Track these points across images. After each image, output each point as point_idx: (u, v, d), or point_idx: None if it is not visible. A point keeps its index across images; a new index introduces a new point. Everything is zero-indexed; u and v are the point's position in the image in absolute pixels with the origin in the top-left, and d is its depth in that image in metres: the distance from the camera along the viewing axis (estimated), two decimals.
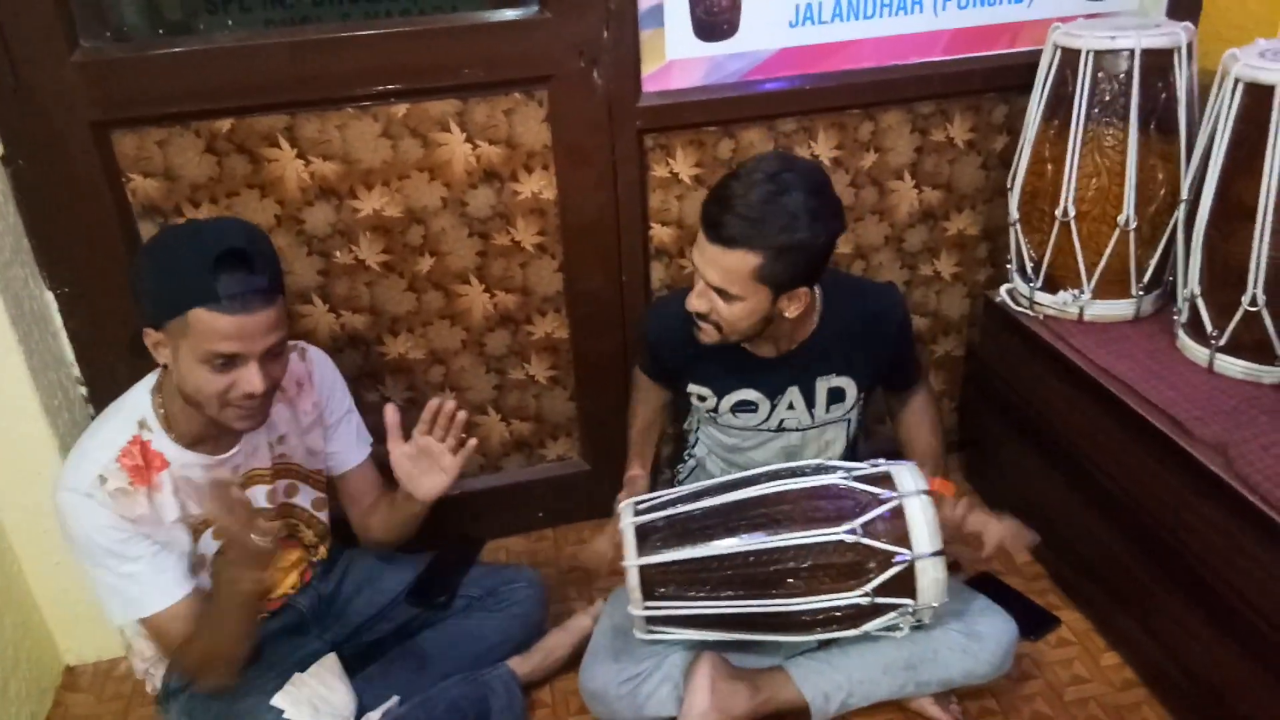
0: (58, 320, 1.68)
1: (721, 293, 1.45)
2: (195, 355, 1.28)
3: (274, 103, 1.63)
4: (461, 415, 1.49)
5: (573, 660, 1.72)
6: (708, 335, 1.53)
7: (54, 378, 1.66)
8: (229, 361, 1.28)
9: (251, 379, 1.30)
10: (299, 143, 1.67)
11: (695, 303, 1.50)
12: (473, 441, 1.51)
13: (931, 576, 1.43)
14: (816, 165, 1.61)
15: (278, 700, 1.46)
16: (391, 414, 1.49)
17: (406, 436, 1.51)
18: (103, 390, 1.68)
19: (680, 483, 1.85)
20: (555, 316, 1.95)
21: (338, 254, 1.78)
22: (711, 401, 1.68)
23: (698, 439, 1.82)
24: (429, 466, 1.51)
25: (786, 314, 1.50)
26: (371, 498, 1.66)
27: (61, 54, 1.51)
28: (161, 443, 1.39)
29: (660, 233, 1.90)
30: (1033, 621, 1.80)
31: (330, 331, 1.84)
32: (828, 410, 1.67)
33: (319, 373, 1.59)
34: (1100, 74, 1.66)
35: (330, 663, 1.56)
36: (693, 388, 1.69)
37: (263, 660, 1.53)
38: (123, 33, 1.63)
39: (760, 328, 1.51)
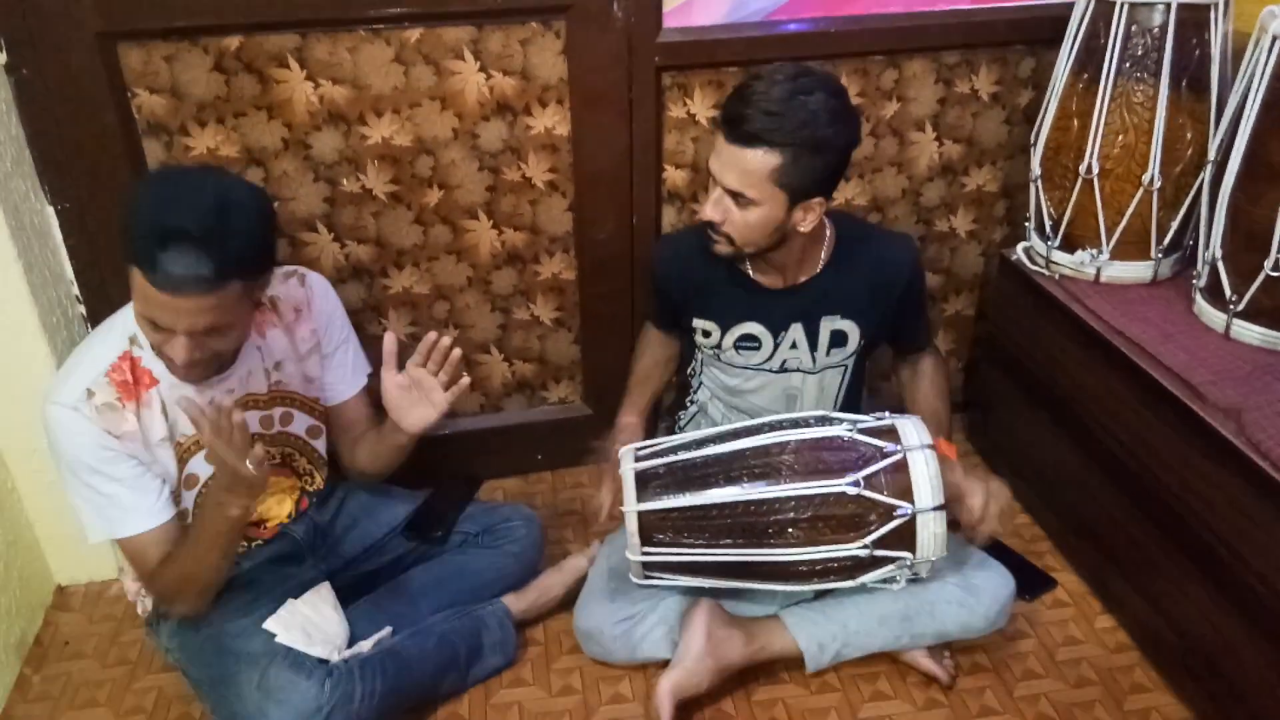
0: (58, 236, 1.66)
1: (738, 197, 1.44)
2: (134, 305, 1.27)
3: (284, 21, 1.59)
4: (456, 353, 1.44)
5: (567, 601, 1.73)
6: (721, 247, 1.51)
7: (53, 295, 1.64)
8: (158, 325, 1.26)
9: (175, 350, 1.27)
10: (308, 64, 1.64)
11: (710, 211, 1.48)
12: (465, 380, 1.45)
13: (932, 531, 1.42)
14: (835, 75, 1.59)
15: (270, 624, 1.46)
16: (390, 342, 1.45)
17: (402, 366, 1.48)
18: (101, 309, 1.65)
19: (681, 429, 1.83)
20: (563, 257, 1.92)
21: (344, 182, 1.75)
22: (715, 337, 1.66)
23: (700, 383, 1.80)
24: (419, 399, 1.47)
25: (800, 227, 1.48)
26: (363, 428, 1.62)
27: None
28: (152, 360, 1.37)
29: (674, 175, 1.87)
30: (1030, 582, 1.79)
31: (334, 261, 1.81)
32: (829, 353, 1.65)
33: (318, 300, 1.56)
34: (1134, 27, 1.62)
35: (324, 591, 1.55)
36: (697, 322, 1.66)
37: (256, 586, 1.52)
38: None
39: (774, 240, 1.49)
